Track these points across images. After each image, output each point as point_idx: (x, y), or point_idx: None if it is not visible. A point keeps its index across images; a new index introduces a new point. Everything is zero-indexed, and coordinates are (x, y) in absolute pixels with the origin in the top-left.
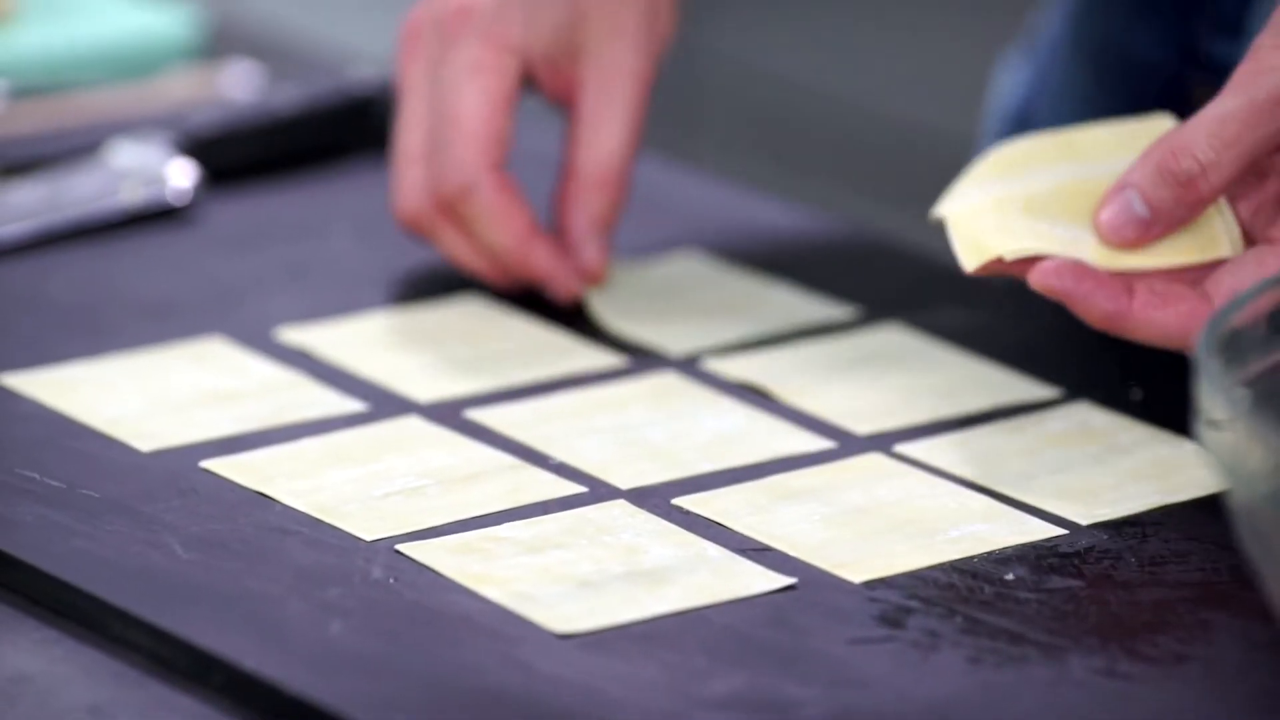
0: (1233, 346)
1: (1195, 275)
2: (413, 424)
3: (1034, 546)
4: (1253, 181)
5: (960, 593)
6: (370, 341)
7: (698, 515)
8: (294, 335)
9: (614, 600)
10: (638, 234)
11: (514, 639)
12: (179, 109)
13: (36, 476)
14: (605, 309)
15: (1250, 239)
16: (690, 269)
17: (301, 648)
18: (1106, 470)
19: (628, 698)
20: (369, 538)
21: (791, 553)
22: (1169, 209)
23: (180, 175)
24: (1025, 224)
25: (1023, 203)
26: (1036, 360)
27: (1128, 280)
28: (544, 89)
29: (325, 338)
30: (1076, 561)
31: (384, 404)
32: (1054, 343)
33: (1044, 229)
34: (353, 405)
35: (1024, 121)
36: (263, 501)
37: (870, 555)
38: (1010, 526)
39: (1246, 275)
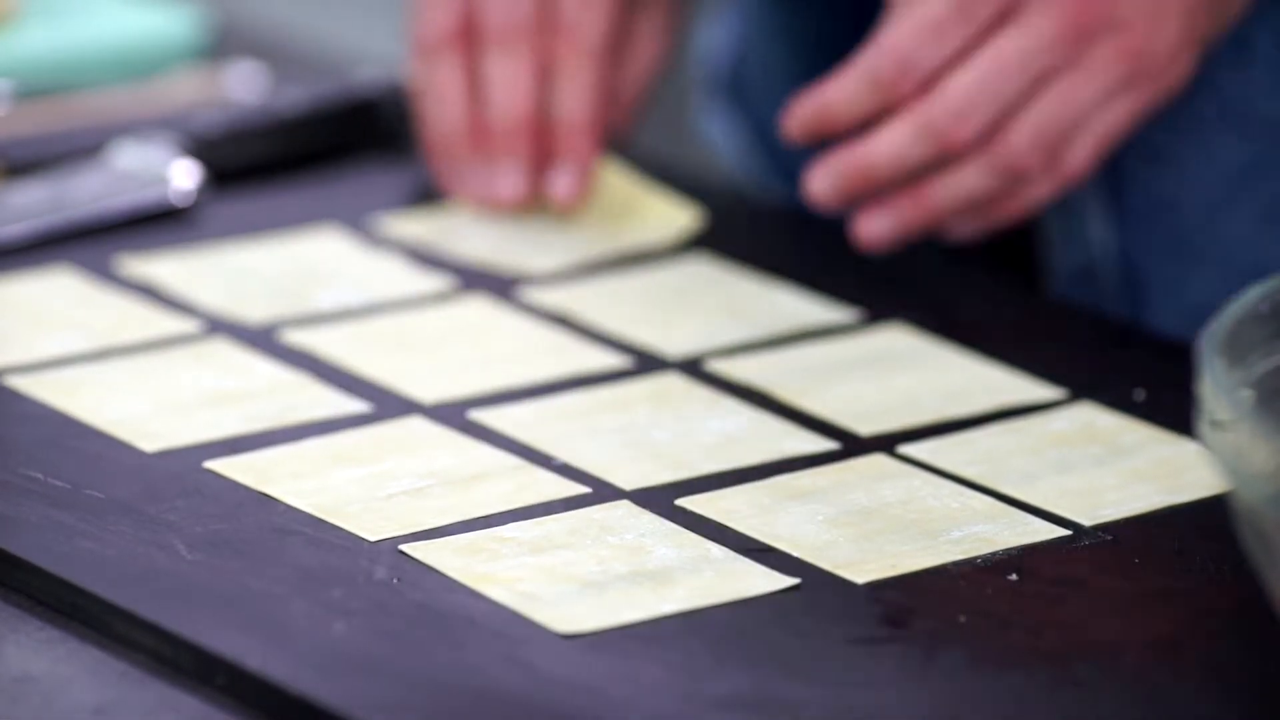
0: (1236, 347)
1: None
2: (416, 424)
3: (1037, 547)
4: None
5: (963, 593)
6: (374, 342)
7: (701, 516)
8: (298, 336)
9: (618, 601)
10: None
11: (518, 639)
12: (183, 110)
13: (41, 477)
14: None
15: None
16: (695, 271)
17: (305, 648)
18: (1110, 471)
19: (631, 698)
20: (373, 538)
21: (795, 553)
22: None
23: (184, 177)
24: None
25: None
26: (1040, 361)
27: None
28: None
29: (329, 338)
30: (1080, 562)
31: (388, 404)
32: (1057, 343)
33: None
34: (356, 406)
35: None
36: (267, 502)
37: (874, 556)
38: (1014, 527)
39: None
